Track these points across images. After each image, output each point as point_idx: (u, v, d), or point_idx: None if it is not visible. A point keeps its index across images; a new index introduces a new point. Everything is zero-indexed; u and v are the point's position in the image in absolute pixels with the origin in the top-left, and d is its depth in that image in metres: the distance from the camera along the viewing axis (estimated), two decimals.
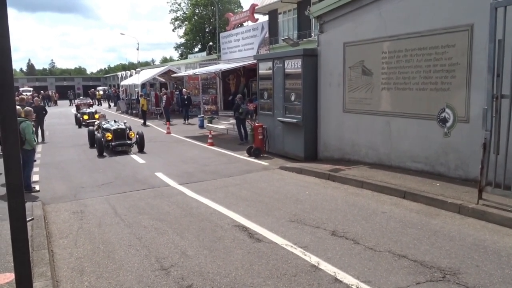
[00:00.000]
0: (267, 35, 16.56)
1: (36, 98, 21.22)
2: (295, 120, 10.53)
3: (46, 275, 4.22)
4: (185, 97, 22.25)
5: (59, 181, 9.30)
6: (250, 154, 11.45)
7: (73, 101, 45.78)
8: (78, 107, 29.36)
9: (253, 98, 16.40)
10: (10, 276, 4.20)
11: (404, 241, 5.08)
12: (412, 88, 8.09)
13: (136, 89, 31.06)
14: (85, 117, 21.28)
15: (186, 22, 55.14)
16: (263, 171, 9.72)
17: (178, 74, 24.44)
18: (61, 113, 31.76)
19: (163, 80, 28.92)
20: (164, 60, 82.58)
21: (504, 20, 5.66)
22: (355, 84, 9.39)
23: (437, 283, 3.99)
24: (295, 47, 17.62)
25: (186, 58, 46.38)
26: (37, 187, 8.44)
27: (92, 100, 45.44)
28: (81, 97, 38.79)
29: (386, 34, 8.55)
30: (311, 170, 9.13)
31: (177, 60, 56.27)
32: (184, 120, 22.07)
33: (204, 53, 41.29)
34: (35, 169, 9.88)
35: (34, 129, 8.39)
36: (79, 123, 21.47)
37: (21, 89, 46.58)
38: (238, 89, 19.03)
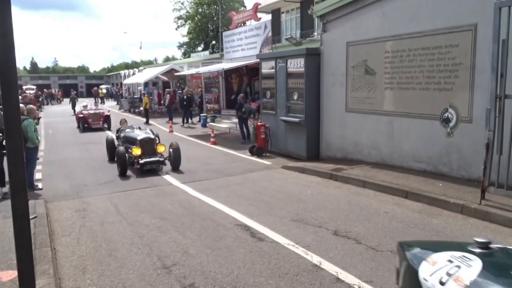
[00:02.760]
0: (270, 34, 16.55)
1: (24, 94, 16.43)
2: (297, 120, 10.52)
3: (49, 272, 4.24)
4: (185, 97, 20.36)
5: (62, 179, 9.33)
6: (253, 153, 11.45)
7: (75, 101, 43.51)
8: (85, 121, 18.75)
9: (256, 97, 16.40)
10: (13, 274, 4.21)
11: None
12: (415, 88, 8.07)
13: (139, 88, 31.13)
14: (136, 152, 9.51)
15: (189, 21, 55.13)
16: (265, 170, 9.72)
17: (181, 73, 24.47)
18: (64, 111, 31.77)
19: (166, 79, 28.95)
20: (167, 59, 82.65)
21: (508, 20, 5.65)
22: (358, 83, 9.37)
23: None
24: (298, 47, 17.67)
25: (189, 57, 46.42)
26: (40, 185, 8.47)
27: (95, 99, 45.48)
28: (85, 104, 21.94)
29: (389, 33, 8.53)
30: (313, 170, 9.12)
31: (180, 59, 56.35)
32: (182, 122, 20.39)
33: (207, 52, 41.33)
34: (38, 167, 9.91)
35: (36, 127, 8.40)
36: (122, 163, 9.38)
37: (24, 87, 46.65)
38: (241, 88, 19.01)
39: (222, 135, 16.07)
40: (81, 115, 19.29)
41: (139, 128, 11.08)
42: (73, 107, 29.73)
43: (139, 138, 9.88)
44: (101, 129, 18.62)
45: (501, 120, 5.86)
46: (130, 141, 10.22)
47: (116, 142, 11.18)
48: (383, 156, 8.94)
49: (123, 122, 12.15)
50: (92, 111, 19.71)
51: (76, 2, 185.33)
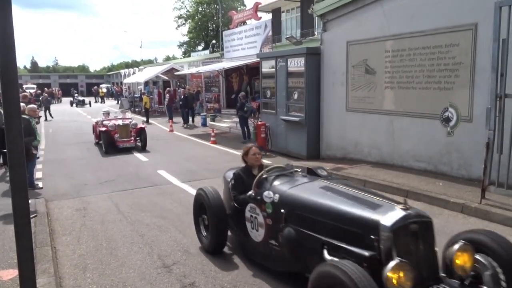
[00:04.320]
0: (270, 33, 16.57)
1: (24, 93, 13.91)
2: (297, 119, 10.52)
3: (49, 271, 4.24)
4: (181, 97, 19.59)
5: (62, 178, 9.33)
6: None
7: (75, 98, 39.89)
8: (108, 137, 12.45)
9: (256, 96, 16.41)
10: (14, 273, 4.21)
11: None
12: (416, 87, 8.07)
13: (139, 87, 31.13)
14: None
15: (190, 20, 55.12)
16: None
17: (181, 72, 24.47)
18: (64, 111, 31.77)
19: (166, 78, 28.97)
20: (167, 58, 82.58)
21: (508, 20, 5.65)
22: (358, 83, 9.37)
23: None
24: (298, 46, 17.64)
25: (189, 56, 46.43)
26: (40, 184, 8.47)
27: (95, 98, 45.48)
28: (106, 110, 15.69)
29: (389, 33, 8.52)
30: None
31: (180, 58, 56.33)
32: (184, 123, 19.44)
33: (207, 51, 41.31)
34: (38, 166, 9.91)
35: (36, 126, 8.38)
36: None
37: (24, 86, 46.63)
38: (241, 88, 19.03)
39: (222, 134, 16.06)
40: (102, 128, 12.75)
41: (320, 169, 4.56)
42: (46, 111, 24.77)
43: (387, 223, 3.02)
44: (128, 150, 12.58)
45: (501, 119, 5.86)
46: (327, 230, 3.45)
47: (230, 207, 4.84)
48: (383, 156, 8.94)
49: (254, 156, 4.72)
50: (119, 122, 13.05)
51: (76, 2, 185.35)
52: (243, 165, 4.83)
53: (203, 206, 4.90)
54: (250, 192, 4.33)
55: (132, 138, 12.87)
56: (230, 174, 5.12)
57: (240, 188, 4.56)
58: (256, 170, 4.63)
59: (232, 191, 4.67)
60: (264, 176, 4.39)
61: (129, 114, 15.24)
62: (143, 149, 12.78)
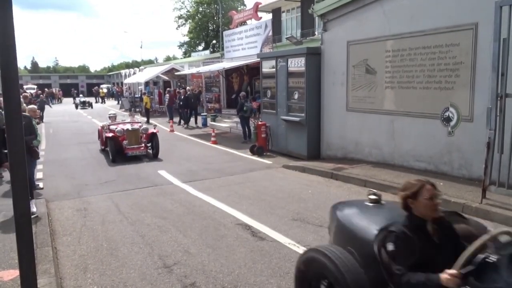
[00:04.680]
0: (270, 33, 16.57)
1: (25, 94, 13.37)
2: (298, 119, 10.52)
3: (50, 272, 4.25)
4: (182, 97, 19.34)
5: (63, 178, 9.33)
6: (253, 152, 11.45)
7: (77, 99, 38.05)
8: (116, 143, 11.18)
9: (256, 96, 16.41)
10: (14, 273, 4.21)
11: None
12: (416, 87, 8.06)
13: (139, 87, 31.14)
14: None
15: (190, 20, 55.14)
16: (266, 170, 9.72)
17: (181, 72, 24.47)
18: (65, 111, 31.80)
19: (167, 78, 28.96)
20: (168, 59, 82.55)
21: (509, 19, 5.64)
22: (358, 82, 9.37)
23: None
24: (298, 46, 17.66)
25: (189, 56, 46.41)
26: (41, 185, 8.46)
27: (96, 98, 45.50)
28: (113, 113, 13.33)
29: (389, 32, 8.52)
30: (314, 169, 9.12)
31: (181, 58, 56.32)
32: (179, 123, 19.56)
33: (207, 51, 41.31)
34: (39, 167, 9.89)
35: (37, 126, 8.38)
36: None
37: (25, 86, 46.63)
38: (242, 88, 19.04)
39: (223, 134, 16.07)
40: (109, 134, 11.41)
41: None
42: (42, 112, 22.84)
43: None
44: (137, 158, 11.35)
45: (502, 119, 5.86)
46: None
47: None
48: (384, 156, 8.94)
49: (431, 202, 2.56)
50: (127, 127, 11.70)
51: (76, 2, 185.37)
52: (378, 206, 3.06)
53: (321, 278, 2.86)
54: (459, 281, 2.19)
55: (143, 144, 11.50)
56: (357, 223, 3.02)
57: (410, 259, 2.43)
58: (429, 224, 2.58)
59: (394, 264, 2.46)
60: (491, 258, 2.17)
61: (138, 117, 13.90)
62: (154, 157, 11.49)
